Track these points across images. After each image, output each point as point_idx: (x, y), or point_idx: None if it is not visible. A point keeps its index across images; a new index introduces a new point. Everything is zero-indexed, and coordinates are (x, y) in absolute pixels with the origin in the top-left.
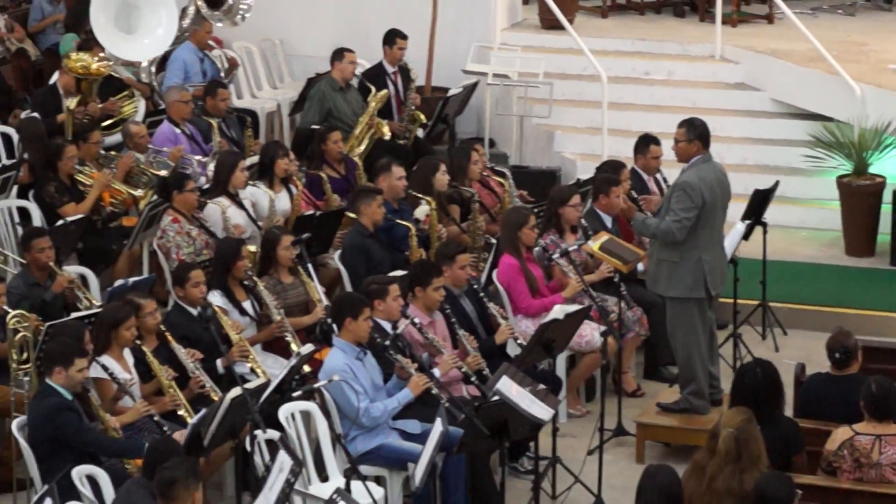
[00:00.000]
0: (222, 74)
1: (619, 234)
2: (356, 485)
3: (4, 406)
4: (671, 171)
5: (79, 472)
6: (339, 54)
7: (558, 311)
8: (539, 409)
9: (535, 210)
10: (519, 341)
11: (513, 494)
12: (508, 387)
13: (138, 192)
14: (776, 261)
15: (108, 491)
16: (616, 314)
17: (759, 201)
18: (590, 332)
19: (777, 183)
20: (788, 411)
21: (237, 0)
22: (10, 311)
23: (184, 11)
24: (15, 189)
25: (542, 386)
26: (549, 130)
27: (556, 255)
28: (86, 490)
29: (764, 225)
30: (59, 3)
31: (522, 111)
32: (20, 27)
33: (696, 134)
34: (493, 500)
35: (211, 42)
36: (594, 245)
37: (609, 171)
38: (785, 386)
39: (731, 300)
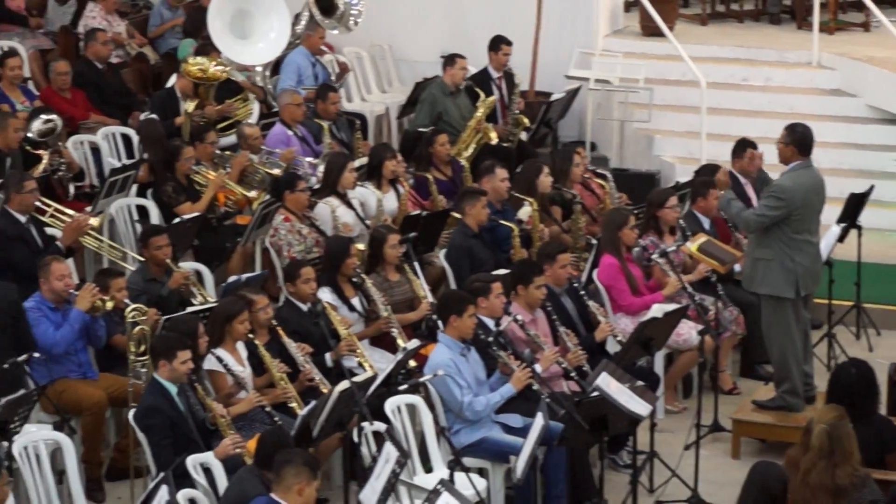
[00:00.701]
0: (333, 78)
1: (717, 236)
2: (459, 476)
3: (122, 396)
4: (773, 173)
5: (193, 461)
6: (450, 60)
7: (657, 310)
8: (637, 405)
9: (635, 212)
10: (618, 339)
11: (611, 487)
12: (608, 383)
13: (252, 193)
14: (870, 263)
15: (222, 479)
16: (713, 313)
17: (855, 205)
18: (687, 331)
19: (872, 187)
20: (882, 410)
21: (349, 6)
22: (129, 304)
23: (297, 17)
24: (135, 188)
25: (640, 382)
26: (649, 134)
27: (655, 256)
28: (199, 478)
29: (859, 228)
30: (177, 9)
31: (623, 115)
32: (140, 34)
33: (792, 139)
34: (591, 493)
35: (323, 47)
36: (692, 246)
37: (707, 174)
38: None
39: (826, 301)
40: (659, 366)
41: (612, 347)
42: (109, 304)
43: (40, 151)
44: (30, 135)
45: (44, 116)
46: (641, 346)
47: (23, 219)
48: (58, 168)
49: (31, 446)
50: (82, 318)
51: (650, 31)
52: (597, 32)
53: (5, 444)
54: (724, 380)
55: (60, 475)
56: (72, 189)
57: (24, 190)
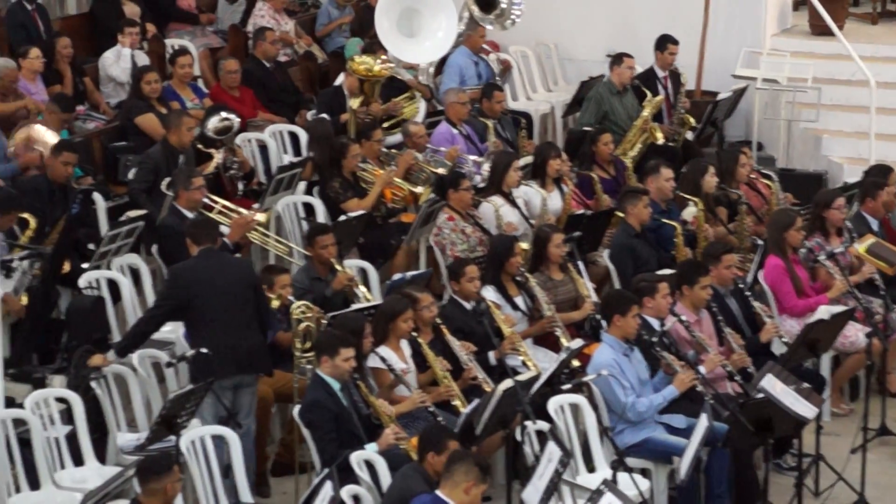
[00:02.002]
0: (497, 77)
1: (885, 238)
2: (622, 476)
3: (287, 392)
4: None
5: (357, 457)
6: (618, 59)
7: (824, 312)
8: (803, 407)
9: (801, 213)
10: (784, 340)
11: (776, 490)
12: (773, 384)
13: (418, 190)
14: None
15: (385, 475)
16: (881, 316)
17: None
18: (854, 333)
19: None
20: None
21: (510, 4)
22: (294, 301)
23: (459, 16)
24: (302, 185)
25: (806, 384)
26: (817, 134)
27: (822, 257)
28: (363, 474)
29: None
30: (345, 7)
31: (790, 115)
32: (307, 33)
33: None
34: (756, 496)
35: (485, 46)
36: (861, 248)
37: (876, 175)
38: None
39: None
40: (825, 368)
41: (778, 349)
42: (275, 303)
43: (211, 149)
44: (206, 132)
45: (222, 114)
46: (807, 348)
47: (191, 215)
48: (230, 166)
49: (199, 441)
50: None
51: (819, 29)
52: (765, 31)
53: (173, 438)
54: (892, 382)
55: (227, 470)
56: (241, 187)
57: (191, 187)
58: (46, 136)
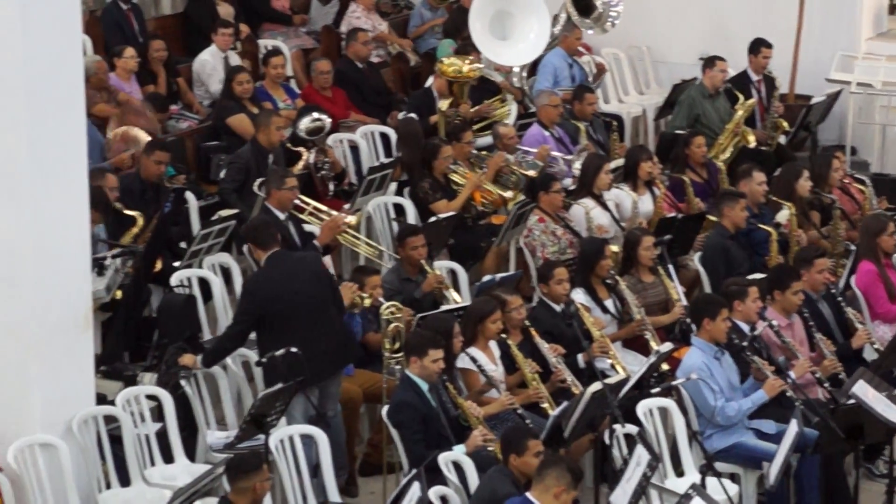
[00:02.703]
0: (590, 80)
1: None
2: (711, 481)
3: (377, 392)
4: None
5: (445, 458)
6: (710, 62)
7: None
8: (895, 414)
9: (894, 217)
10: (875, 346)
11: (867, 497)
12: (864, 391)
13: (508, 193)
14: None
15: (473, 476)
16: None
17: None
18: None
19: None
20: None
21: (607, 7)
22: (384, 302)
23: (555, 18)
24: (392, 186)
25: None
26: None
27: None
28: (451, 475)
29: None
30: (438, 9)
31: (885, 120)
32: (400, 34)
33: None
34: (846, 502)
35: (580, 48)
36: None
37: None
38: None
39: None
40: None
41: (870, 355)
42: (367, 302)
43: (300, 149)
44: (298, 132)
45: (314, 115)
46: None
47: (282, 216)
48: (322, 167)
49: (287, 440)
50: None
51: None
52: (859, 35)
53: (262, 437)
54: None
55: (315, 469)
56: (331, 187)
57: (284, 186)
58: (140, 136)
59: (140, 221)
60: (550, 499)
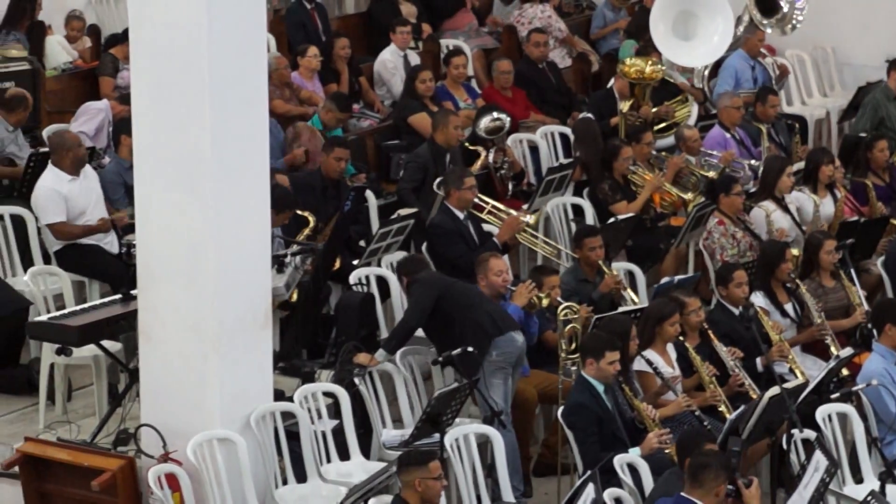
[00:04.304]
0: (773, 81)
1: None
2: (891, 488)
3: (552, 393)
4: None
5: (620, 461)
6: (895, 64)
7: None
8: None
9: None
10: None
11: None
12: None
13: (687, 195)
14: None
15: (648, 479)
16: None
17: None
18: None
19: None
20: None
21: (791, 8)
22: (562, 302)
23: (738, 20)
24: (571, 186)
25: None
26: None
27: None
28: (626, 477)
29: None
30: (621, 10)
31: None
32: (582, 35)
33: None
34: None
35: (763, 50)
36: None
37: None
38: None
39: None
40: None
41: None
42: (545, 302)
43: (478, 148)
44: (478, 131)
45: (494, 114)
46: None
47: (461, 215)
48: (501, 166)
49: (462, 439)
50: (518, 314)
51: None
52: None
53: (437, 436)
54: None
55: (489, 469)
56: (510, 187)
57: (463, 186)
58: (318, 136)
59: (312, 222)
60: (713, 499)
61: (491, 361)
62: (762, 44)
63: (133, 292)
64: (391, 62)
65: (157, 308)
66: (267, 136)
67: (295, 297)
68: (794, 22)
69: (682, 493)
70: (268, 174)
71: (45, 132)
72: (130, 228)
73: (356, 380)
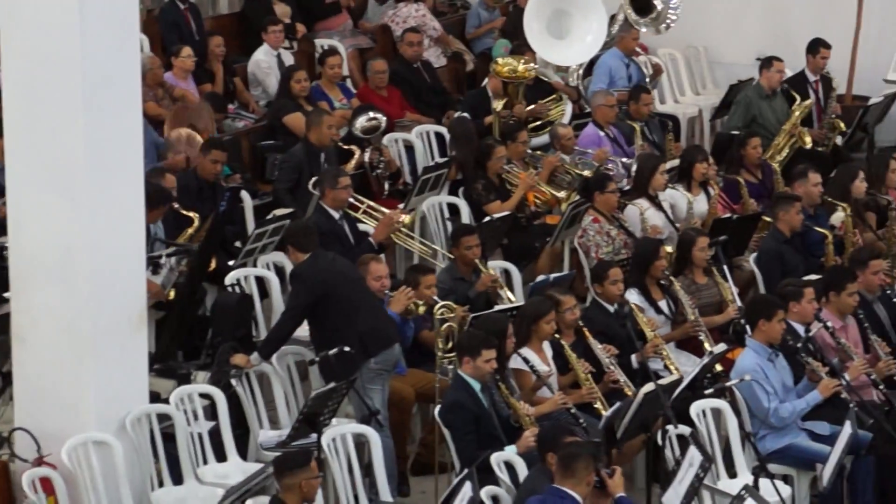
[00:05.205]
0: (647, 80)
1: None
2: (764, 482)
3: (429, 392)
4: None
5: (497, 458)
6: (767, 62)
7: None
8: None
9: None
10: None
11: None
12: None
13: (561, 194)
14: None
15: (524, 476)
16: None
17: None
18: None
19: None
20: None
21: (666, 7)
22: (438, 301)
23: (612, 18)
24: (447, 185)
25: None
26: None
27: None
28: (503, 475)
29: None
30: (494, 9)
31: None
32: (456, 34)
33: None
34: None
35: (637, 48)
36: None
37: None
38: None
39: None
40: None
41: None
42: (422, 309)
43: (352, 147)
44: (354, 131)
45: (370, 114)
46: None
47: (336, 215)
48: (377, 166)
49: (340, 439)
50: (395, 319)
51: None
52: None
53: (314, 436)
54: None
55: (367, 469)
56: (386, 187)
57: (338, 186)
58: (198, 139)
59: (196, 222)
60: (584, 488)
61: (369, 369)
62: (636, 42)
63: (6, 295)
64: (265, 62)
65: (31, 310)
66: (141, 137)
67: (171, 297)
68: (668, 21)
69: (555, 485)
70: (142, 175)
71: None
72: (2, 230)
73: (233, 381)
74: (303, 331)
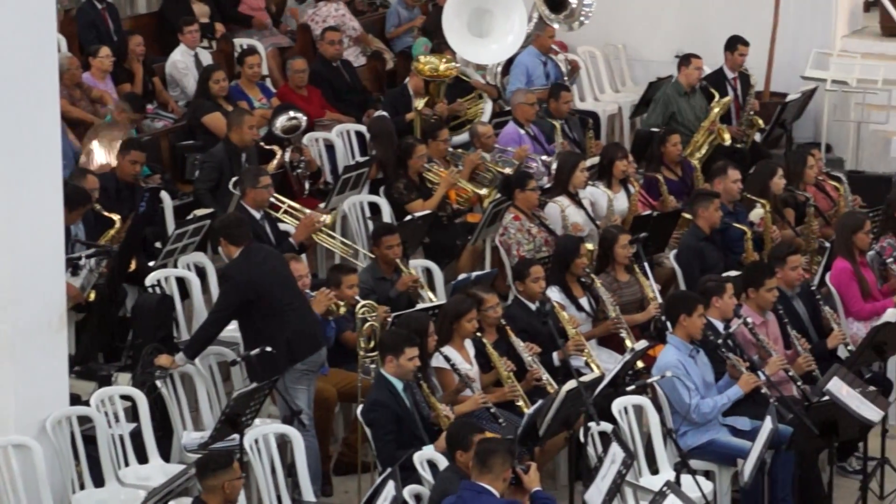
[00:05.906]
0: (565, 78)
1: None
2: (686, 478)
3: (352, 392)
4: None
5: (419, 457)
6: (686, 59)
7: (891, 315)
8: (869, 411)
9: (870, 215)
10: (849, 347)
11: (840, 494)
12: (839, 387)
13: (483, 191)
14: None
15: None
16: None
17: None
18: None
19: None
20: None
21: (580, 4)
22: (360, 301)
23: (528, 17)
24: (367, 184)
25: (872, 388)
26: (887, 136)
27: (890, 260)
28: (426, 474)
29: None
30: (414, 8)
31: (860, 117)
32: (376, 33)
33: None
34: (820, 499)
35: (554, 46)
36: None
37: None
38: None
39: None
40: (892, 371)
41: (844, 354)
42: (343, 310)
43: (274, 147)
44: (274, 131)
45: (290, 113)
46: (874, 351)
47: (257, 214)
48: (297, 165)
49: (262, 439)
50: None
51: (890, 31)
52: (835, 33)
53: (236, 436)
54: None
55: (290, 469)
56: (307, 186)
57: (259, 185)
58: (97, 155)
59: (118, 223)
60: (501, 483)
61: (295, 370)
62: (552, 40)
63: None
64: (182, 62)
65: None
66: (59, 138)
67: (91, 298)
68: (581, 18)
69: (472, 480)
70: (60, 176)
71: None
72: None
73: (157, 382)
74: (225, 331)
